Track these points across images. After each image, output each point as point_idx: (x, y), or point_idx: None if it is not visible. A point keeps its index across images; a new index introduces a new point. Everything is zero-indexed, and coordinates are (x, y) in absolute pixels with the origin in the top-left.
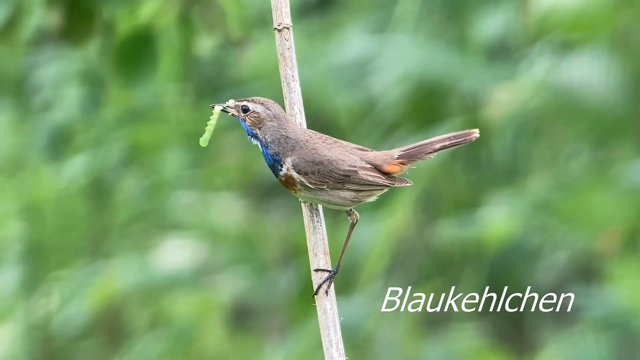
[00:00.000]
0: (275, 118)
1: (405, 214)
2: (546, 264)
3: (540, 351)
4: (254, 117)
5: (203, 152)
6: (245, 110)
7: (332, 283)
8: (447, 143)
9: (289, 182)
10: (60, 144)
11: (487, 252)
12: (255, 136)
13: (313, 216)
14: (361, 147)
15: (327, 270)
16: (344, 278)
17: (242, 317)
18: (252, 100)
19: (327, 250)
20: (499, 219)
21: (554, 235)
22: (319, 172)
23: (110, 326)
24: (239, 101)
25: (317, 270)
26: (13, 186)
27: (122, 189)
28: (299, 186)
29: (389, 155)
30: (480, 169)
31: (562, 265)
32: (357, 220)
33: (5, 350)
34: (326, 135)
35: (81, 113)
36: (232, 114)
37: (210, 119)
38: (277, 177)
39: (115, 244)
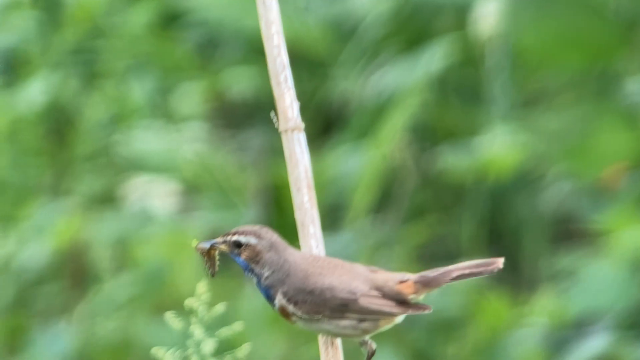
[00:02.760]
0: (271, 247)
1: (395, 141)
2: (549, 196)
3: (537, 291)
4: (249, 251)
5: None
6: (238, 245)
7: None
8: (466, 272)
9: (283, 314)
10: (14, 69)
11: (488, 182)
12: (252, 271)
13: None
14: (371, 267)
15: None
16: (331, 214)
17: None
18: (243, 233)
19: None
20: (501, 146)
21: (557, 166)
22: (311, 302)
23: (75, 269)
24: (226, 235)
25: None
26: None
27: (84, 119)
28: (293, 318)
29: (403, 277)
30: (474, 94)
31: (565, 196)
32: (373, 351)
33: None
34: (329, 258)
35: (37, 35)
36: (223, 251)
37: (207, 260)
38: (272, 308)
39: (78, 180)
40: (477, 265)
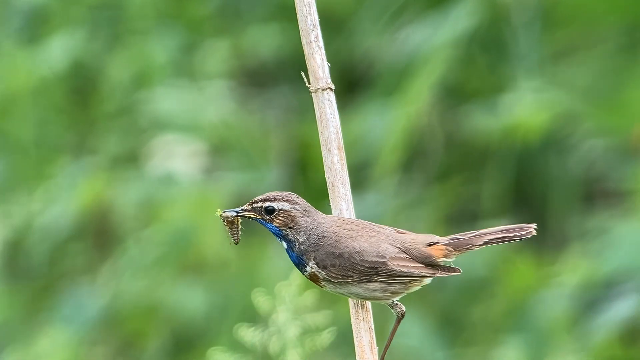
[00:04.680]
0: (305, 212)
1: (422, 100)
2: (578, 155)
3: (565, 252)
4: (283, 216)
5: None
6: (271, 211)
7: None
8: (498, 236)
9: (313, 279)
10: (35, 25)
11: (515, 142)
12: (286, 237)
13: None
14: (399, 229)
15: None
16: (357, 174)
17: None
18: (275, 199)
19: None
20: (528, 105)
21: (586, 124)
22: (340, 265)
23: (99, 230)
24: (254, 203)
25: None
26: None
27: (107, 78)
28: (322, 282)
29: (432, 239)
30: (502, 52)
31: (595, 155)
32: (403, 313)
33: None
34: (357, 220)
35: None
36: (252, 218)
37: (230, 228)
38: (302, 274)
39: (101, 140)
40: (510, 230)
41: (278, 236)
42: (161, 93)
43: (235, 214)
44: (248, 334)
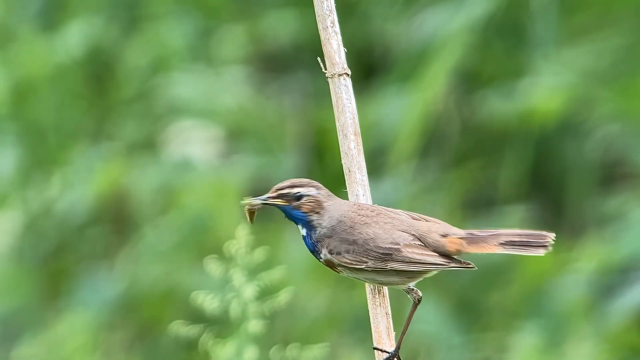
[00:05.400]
0: (329, 197)
1: (439, 85)
2: (595, 139)
3: (582, 237)
4: (312, 202)
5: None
6: (300, 197)
7: None
8: (515, 239)
9: (329, 265)
10: (53, 11)
11: (532, 127)
12: (310, 223)
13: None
14: (414, 215)
15: (385, 351)
16: (373, 159)
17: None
18: (301, 185)
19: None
20: (545, 89)
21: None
22: (353, 252)
23: (116, 215)
24: (279, 190)
25: (375, 349)
26: (2, 60)
27: (124, 64)
28: (338, 268)
29: (448, 230)
30: (518, 37)
31: (612, 139)
32: (419, 298)
33: (5, 241)
34: (372, 206)
35: None
36: (279, 205)
37: (249, 215)
38: (318, 260)
39: (118, 125)
40: (528, 235)
41: (301, 222)
42: (178, 78)
43: (262, 202)
44: (206, 300)
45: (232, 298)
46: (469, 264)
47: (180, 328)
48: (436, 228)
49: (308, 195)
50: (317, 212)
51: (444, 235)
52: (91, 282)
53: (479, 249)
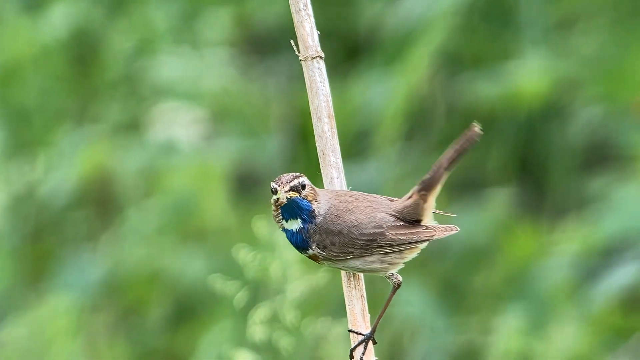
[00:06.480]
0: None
1: (423, 68)
2: (580, 122)
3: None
4: (313, 190)
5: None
6: (304, 186)
7: (368, 347)
8: (454, 154)
9: (313, 258)
10: None
11: (518, 110)
12: (312, 212)
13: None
14: (388, 197)
15: (360, 334)
16: (357, 143)
17: (245, 188)
18: (297, 176)
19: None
20: (531, 72)
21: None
22: (339, 243)
23: (100, 198)
24: (288, 184)
25: (350, 331)
26: None
27: (109, 46)
28: (322, 261)
29: (413, 194)
30: (504, 20)
31: (597, 122)
32: (399, 283)
33: None
34: (350, 192)
35: None
36: (291, 198)
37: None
38: (302, 254)
39: (103, 107)
40: (459, 143)
41: (305, 213)
42: (162, 61)
43: (287, 198)
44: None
45: (272, 261)
46: (452, 228)
47: (218, 283)
48: (403, 200)
49: (308, 185)
50: (316, 200)
51: (407, 199)
52: (74, 264)
53: (437, 185)
